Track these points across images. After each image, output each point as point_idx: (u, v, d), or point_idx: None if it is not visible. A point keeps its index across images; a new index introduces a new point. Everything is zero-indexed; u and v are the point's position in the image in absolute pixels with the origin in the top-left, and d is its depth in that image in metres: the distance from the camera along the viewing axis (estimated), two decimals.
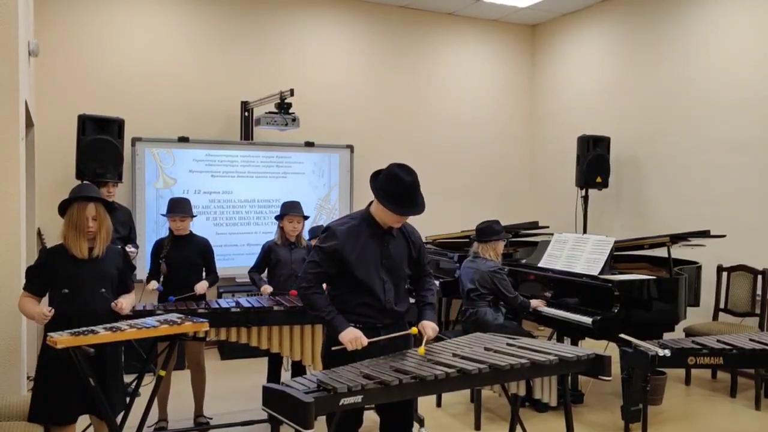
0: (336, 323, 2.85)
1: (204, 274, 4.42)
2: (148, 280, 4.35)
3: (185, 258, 4.30)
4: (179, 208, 4.31)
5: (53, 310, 3.02)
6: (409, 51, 7.56)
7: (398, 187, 2.84)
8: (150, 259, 4.43)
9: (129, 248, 4.78)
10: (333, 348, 2.83)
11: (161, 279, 4.33)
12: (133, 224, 5.31)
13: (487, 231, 4.76)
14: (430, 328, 2.98)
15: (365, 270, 2.90)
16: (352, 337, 2.80)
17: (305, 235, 4.79)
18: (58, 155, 5.79)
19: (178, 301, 4.09)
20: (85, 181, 4.72)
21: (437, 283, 5.61)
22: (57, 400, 3.05)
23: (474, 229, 4.96)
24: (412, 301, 3.29)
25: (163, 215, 4.47)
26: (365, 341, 2.81)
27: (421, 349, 2.83)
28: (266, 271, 4.65)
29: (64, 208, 3.16)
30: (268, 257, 4.57)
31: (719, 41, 5.94)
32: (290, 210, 4.52)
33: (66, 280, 3.10)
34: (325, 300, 2.92)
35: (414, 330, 2.91)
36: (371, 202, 3.01)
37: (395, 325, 3.02)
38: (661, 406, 4.83)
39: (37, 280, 3.13)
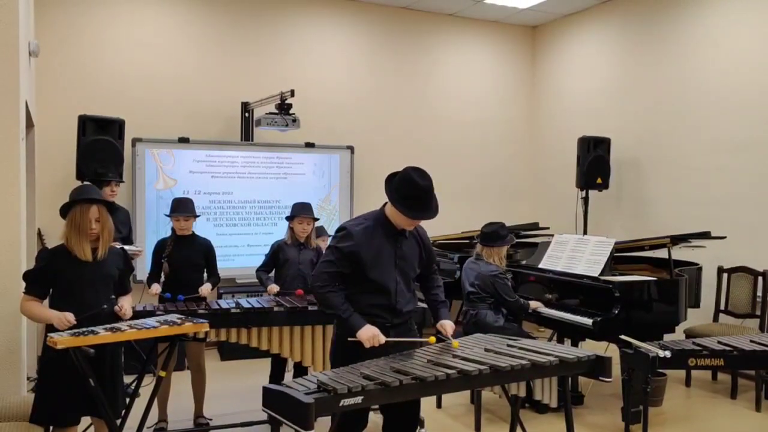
0: (353, 321, 2.88)
1: (206, 275, 4.42)
2: (149, 280, 4.35)
3: (188, 258, 4.30)
4: (183, 207, 4.31)
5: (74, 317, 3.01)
6: (410, 52, 7.56)
7: (413, 190, 2.87)
8: (151, 259, 4.43)
9: (133, 247, 4.75)
10: (349, 338, 2.85)
11: (162, 279, 4.33)
12: (131, 225, 5.31)
13: (493, 236, 4.69)
14: (449, 326, 3.07)
15: (380, 271, 2.93)
16: (370, 335, 2.84)
17: None
18: (59, 156, 5.79)
19: (187, 300, 4.10)
20: (86, 182, 4.72)
21: None
22: (60, 402, 3.04)
23: (475, 230, 4.94)
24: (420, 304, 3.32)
25: (166, 215, 4.47)
26: (383, 339, 2.85)
27: (432, 338, 2.98)
28: (273, 271, 4.66)
29: (66, 210, 3.15)
30: (276, 256, 4.58)
31: (719, 42, 5.94)
32: (301, 212, 4.54)
33: (68, 281, 3.09)
34: (340, 298, 2.93)
35: (432, 339, 2.99)
36: (386, 203, 3.03)
37: (403, 325, 3.06)
38: (662, 408, 4.83)
39: (40, 283, 3.11)
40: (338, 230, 3.02)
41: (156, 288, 4.29)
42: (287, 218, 4.63)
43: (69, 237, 3.10)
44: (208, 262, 4.40)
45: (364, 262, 2.90)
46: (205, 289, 4.29)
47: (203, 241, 4.43)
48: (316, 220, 4.66)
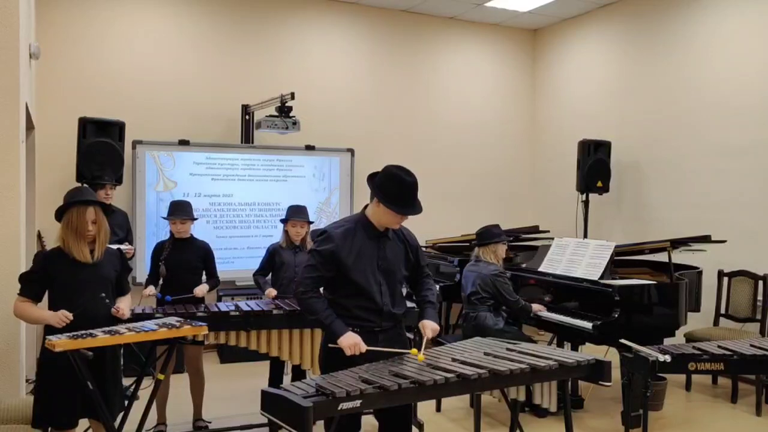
0: (335, 327, 2.85)
1: (204, 278, 4.40)
2: (147, 283, 4.34)
3: (185, 261, 4.29)
4: (180, 210, 4.30)
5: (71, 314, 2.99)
6: (410, 55, 7.57)
7: (400, 187, 2.87)
8: (150, 262, 4.42)
9: (125, 246, 4.73)
10: (329, 345, 2.82)
11: (160, 282, 4.32)
12: (130, 227, 5.31)
13: (486, 234, 4.79)
14: (429, 328, 3.00)
15: (362, 272, 2.91)
16: (351, 342, 2.80)
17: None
18: (59, 158, 5.79)
19: (175, 301, 4.07)
20: (84, 185, 4.72)
21: (437, 287, 5.61)
22: (58, 404, 3.03)
23: (474, 234, 4.97)
24: (410, 304, 3.29)
25: (164, 218, 4.47)
26: (364, 347, 2.80)
27: (420, 356, 2.78)
28: (270, 274, 4.66)
29: (61, 213, 3.13)
30: (272, 260, 4.58)
31: (720, 46, 5.94)
32: (294, 215, 4.54)
33: (66, 284, 3.07)
34: (323, 304, 2.92)
35: (414, 351, 2.85)
36: (366, 206, 3.02)
37: (393, 329, 3.02)
38: (662, 412, 4.81)
39: (36, 285, 3.09)
40: (319, 234, 3.01)
41: (151, 289, 4.26)
42: (282, 221, 4.64)
43: (66, 239, 3.08)
44: (206, 265, 4.39)
45: (345, 264, 2.89)
46: (200, 290, 4.24)
47: (201, 244, 4.41)
48: (311, 223, 4.66)
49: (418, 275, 3.19)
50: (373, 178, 2.97)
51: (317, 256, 2.91)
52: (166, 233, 4.72)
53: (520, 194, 8.22)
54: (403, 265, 3.07)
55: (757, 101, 5.63)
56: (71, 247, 3.07)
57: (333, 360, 2.83)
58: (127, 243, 4.94)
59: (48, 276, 3.08)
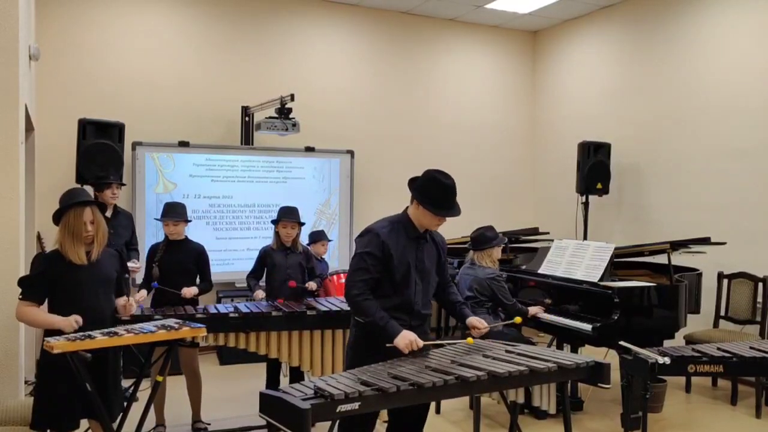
0: (390, 328, 2.88)
1: (198, 281, 4.35)
2: (141, 287, 4.29)
3: (178, 263, 4.25)
4: (172, 211, 4.28)
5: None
6: (410, 56, 7.57)
7: (438, 189, 2.97)
8: (146, 264, 4.40)
9: (132, 263, 4.72)
10: (387, 345, 2.86)
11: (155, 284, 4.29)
12: (134, 228, 5.29)
13: (481, 239, 4.77)
14: (478, 322, 3.17)
15: (404, 272, 2.98)
16: (407, 342, 2.85)
17: (305, 240, 4.77)
18: (59, 159, 5.79)
19: (159, 291, 4.05)
20: (82, 186, 4.71)
21: None
22: (59, 407, 3.02)
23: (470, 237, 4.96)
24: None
25: (156, 219, 4.44)
26: (421, 343, 2.88)
27: (470, 339, 3.06)
28: (264, 276, 4.65)
29: (58, 216, 3.12)
30: (264, 262, 4.56)
31: (720, 48, 5.94)
32: (284, 216, 4.52)
33: (67, 286, 3.06)
34: (375, 305, 2.92)
35: (470, 340, 3.07)
36: (407, 207, 3.09)
37: (420, 327, 3.09)
38: (661, 414, 4.81)
39: (39, 288, 3.06)
40: (361, 234, 3.03)
41: (143, 293, 4.21)
42: (273, 222, 4.62)
43: (63, 242, 3.06)
44: (199, 268, 4.33)
45: (391, 262, 2.93)
46: (188, 291, 4.17)
47: (196, 246, 4.36)
48: (302, 224, 4.64)
49: (444, 280, 3.26)
50: (413, 182, 3.04)
51: (369, 258, 2.93)
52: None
53: (520, 196, 8.22)
54: (435, 268, 3.15)
55: (757, 103, 5.63)
56: (67, 250, 3.05)
57: (366, 356, 2.85)
58: (135, 261, 4.91)
59: (50, 278, 3.06)
